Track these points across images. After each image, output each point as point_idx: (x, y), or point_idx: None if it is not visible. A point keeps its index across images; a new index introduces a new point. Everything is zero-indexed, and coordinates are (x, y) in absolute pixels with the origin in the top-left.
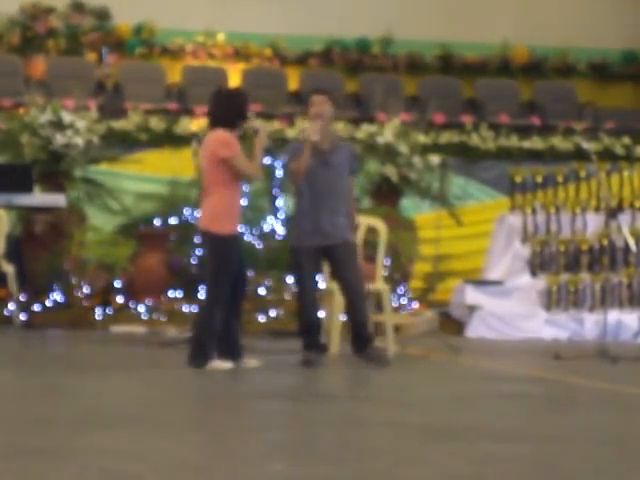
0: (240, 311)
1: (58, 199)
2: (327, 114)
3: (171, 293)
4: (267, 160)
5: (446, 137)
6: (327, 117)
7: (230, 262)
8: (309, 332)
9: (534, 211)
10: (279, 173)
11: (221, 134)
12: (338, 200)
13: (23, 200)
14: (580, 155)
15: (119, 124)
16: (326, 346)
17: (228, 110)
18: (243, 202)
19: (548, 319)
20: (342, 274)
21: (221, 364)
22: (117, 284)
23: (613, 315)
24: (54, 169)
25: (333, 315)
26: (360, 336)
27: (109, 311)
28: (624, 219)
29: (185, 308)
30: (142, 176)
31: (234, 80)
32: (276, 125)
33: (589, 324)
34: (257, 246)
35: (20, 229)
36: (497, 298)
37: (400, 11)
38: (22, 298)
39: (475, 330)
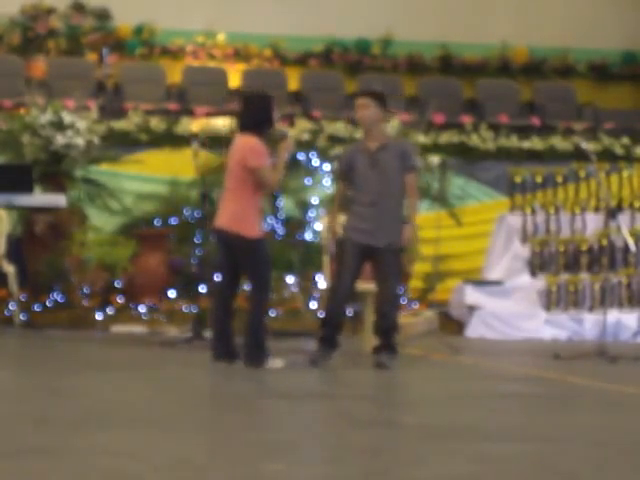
0: (233, 311)
1: (58, 199)
2: (371, 117)
3: (171, 293)
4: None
5: (446, 137)
6: (371, 120)
7: (267, 262)
8: (327, 325)
9: (534, 211)
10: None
11: (253, 141)
12: (386, 202)
13: (24, 200)
14: (580, 155)
15: (119, 124)
16: (338, 344)
17: (259, 114)
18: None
19: (548, 319)
20: (377, 278)
21: (277, 362)
22: (117, 284)
23: (612, 315)
24: (55, 169)
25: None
26: (382, 343)
27: (109, 311)
28: (623, 219)
29: (185, 308)
30: (142, 176)
31: (234, 80)
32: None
33: (588, 324)
34: None
35: (21, 229)
36: (497, 298)
37: (400, 12)
38: (22, 298)
39: (475, 330)
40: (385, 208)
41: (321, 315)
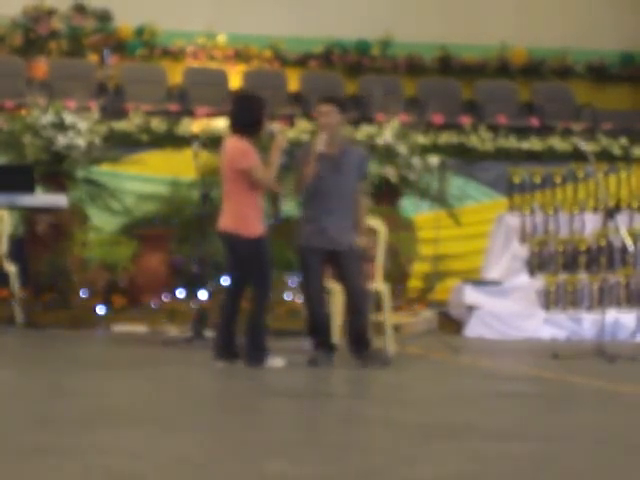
0: (239, 312)
1: (60, 200)
2: (333, 123)
3: (172, 293)
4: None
5: (445, 138)
6: (333, 126)
7: (267, 261)
8: (318, 331)
9: (532, 211)
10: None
11: (239, 143)
12: (347, 205)
13: (25, 200)
14: (578, 156)
15: (120, 125)
16: (336, 346)
17: (248, 115)
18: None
19: (546, 319)
20: (345, 280)
21: (277, 361)
22: (119, 284)
23: (611, 314)
24: (56, 170)
25: (333, 314)
26: (359, 341)
27: (110, 311)
28: (622, 219)
29: (186, 308)
30: (143, 177)
31: (235, 81)
32: (276, 126)
33: (587, 323)
34: None
35: (22, 229)
36: (496, 298)
37: (399, 13)
38: (24, 298)
39: (474, 330)
40: (343, 212)
41: (307, 324)
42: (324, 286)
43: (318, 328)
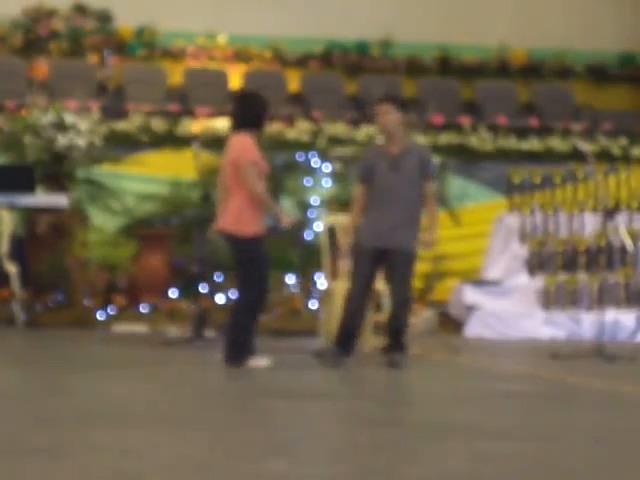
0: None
1: (60, 200)
2: (390, 122)
3: (172, 293)
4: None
5: (445, 138)
6: (391, 125)
7: (258, 262)
8: (342, 330)
9: (532, 211)
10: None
11: (245, 139)
12: (405, 205)
13: (26, 200)
14: (577, 156)
15: (121, 125)
16: (352, 351)
17: (250, 112)
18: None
19: (546, 318)
20: (390, 281)
21: (260, 361)
22: (119, 284)
23: (610, 314)
24: (56, 170)
25: (332, 314)
26: (392, 342)
27: (111, 310)
28: (621, 219)
29: (186, 308)
30: (143, 177)
31: (235, 82)
32: (276, 126)
33: (586, 323)
34: None
35: (23, 229)
36: (495, 298)
37: (399, 13)
38: (24, 298)
39: (473, 329)
40: (401, 212)
41: (339, 320)
42: (369, 288)
43: (344, 326)
